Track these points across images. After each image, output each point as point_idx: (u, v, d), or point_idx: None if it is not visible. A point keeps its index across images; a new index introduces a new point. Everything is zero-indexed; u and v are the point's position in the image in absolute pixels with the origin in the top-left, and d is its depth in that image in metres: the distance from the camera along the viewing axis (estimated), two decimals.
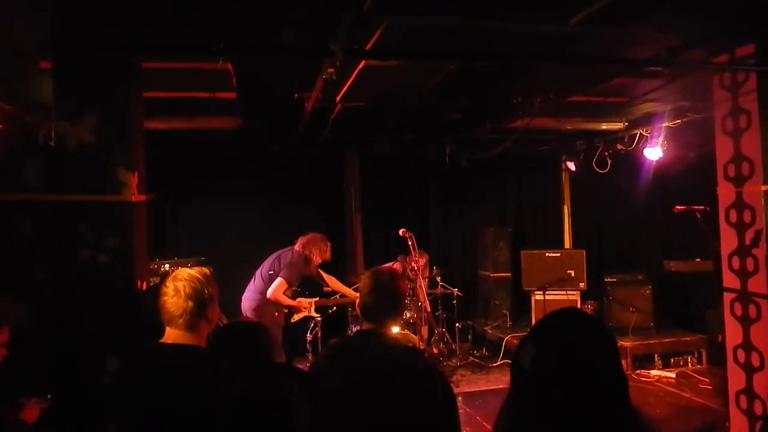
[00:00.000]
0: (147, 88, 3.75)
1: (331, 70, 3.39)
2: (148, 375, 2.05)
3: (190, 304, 2.05)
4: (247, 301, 5.40)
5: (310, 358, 6.38)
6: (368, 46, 3.38)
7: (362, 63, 3.85)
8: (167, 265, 6.05)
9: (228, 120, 5.49)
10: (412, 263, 6.59)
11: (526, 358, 1.28)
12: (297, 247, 5.50)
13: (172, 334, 2.08)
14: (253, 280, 5.52)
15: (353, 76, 4.11)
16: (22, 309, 2.47)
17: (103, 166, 3.01)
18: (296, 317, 5.74)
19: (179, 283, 2.07)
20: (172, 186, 6.69)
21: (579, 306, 6.90)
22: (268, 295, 5.23)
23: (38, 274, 2.89)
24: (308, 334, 6.62)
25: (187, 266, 2.18)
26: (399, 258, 6.79)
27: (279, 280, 5.28)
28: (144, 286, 3.14)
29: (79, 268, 2.93)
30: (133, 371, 2.12)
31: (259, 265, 5.60)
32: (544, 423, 1.24)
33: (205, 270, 2.16)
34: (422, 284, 5.66)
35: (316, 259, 5.54)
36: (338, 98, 4.82)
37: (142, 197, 3.21)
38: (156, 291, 2.15)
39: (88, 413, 2.60)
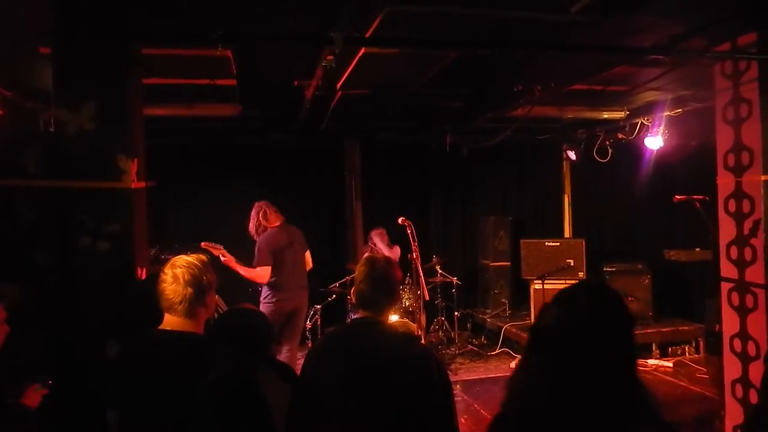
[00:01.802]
0: (147, 74, 3.74)
1: (330, 57, 3.38)
2: (147, 361, 2.07)
3: (190, 290, 2.07)
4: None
5: (309, 345, 6.42)
6: (368, 34, 3.36)
7: (362, 51, 3.84)
8: (167, 254, 6.05)
9: (228, 107, 5.48)
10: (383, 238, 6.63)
11: (549, 317, 1.37)
12: (256, 234, 5.24)
13: (171, 321, 2.10)
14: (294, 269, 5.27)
15: (353, 63, 4.10)
16: (15, 288, 2.49)
17: (103, 153, 3.01)
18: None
19: (178, 270, 2.09)
20: (172, 173, 6.69)
21: None
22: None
23: (40, 259, 2.91)
24: (307, 322, 6.66)
25: (186, 254, 2.19)
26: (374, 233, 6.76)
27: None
28: (143, 274, 3.15)
29: (80, 255, 2.94)
30: (133, 358, 2.14)
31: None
32: (556, 382, 1.30)
33: (203, 257, 2.18)
34: (418, 263, 5.61)
35: (275, 222, 5.26)
36: (338, 86, 4.81)
37: (142, 184, 3.22)
38: (155, 278, 2.17)
39: (88, 399, 2.62)
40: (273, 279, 5.11)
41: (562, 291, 1.42)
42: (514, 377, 1.41)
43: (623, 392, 1.29)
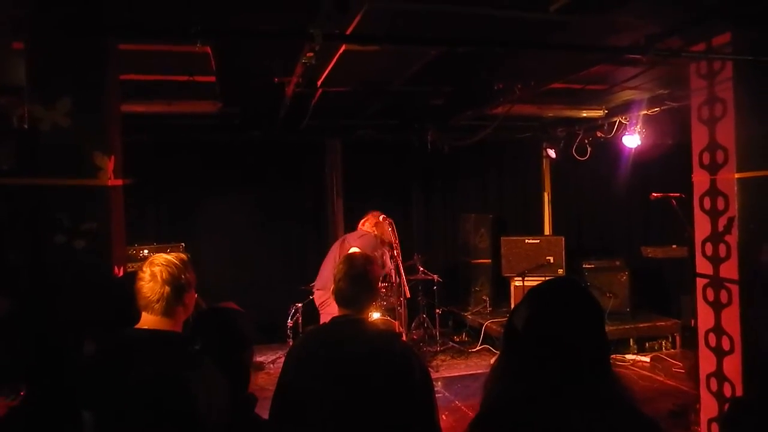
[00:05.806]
0: (124, 70, 3.68)
1: (310, 54, 3.36)
2: (123, 361, 2.04)
3: (167, 289, 2.04)
4: (315, 295, 4.99)
5: (290, 344, 6.38)
6: (348, 31, 3.35)
7: (342, 47, 3.82)
8: (146, 251, 5.99)
9: (208, 104, 5.42)
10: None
11: (519, 319, 1.38)
12: (367, 227, 4.95)
13: (148, 320, 2.06)
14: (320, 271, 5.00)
15: (334, 60, 4.08)
16: (3, 302, 2.44)
17: (79, 150, 2.95)
18: None
19: (156, 268, 2.05)
20: (151, 171, 6.60)
21: None
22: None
23: (12, 258, 2.85)
24: (289, 320, 6.63)
25: (165, 252, 2.16)
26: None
27: None
28: (121, 272, 3.11)
29: (55, 253, 2.89)
30: (108, 357, 2.11)
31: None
32: (531, 379, 1.32)
33: (182, 256, 2.14)
34: (399, 261, 5.56)
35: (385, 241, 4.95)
36: (319, 83, 4.78)
37: (119, 181, 3.17)
38: (133, 277, 2.13)
39: (62, 400, 2.58)
40: None
41: (532, 289, 1.44)
42: (490, 376, 1.42)
43: (598, 386, 1.31)
